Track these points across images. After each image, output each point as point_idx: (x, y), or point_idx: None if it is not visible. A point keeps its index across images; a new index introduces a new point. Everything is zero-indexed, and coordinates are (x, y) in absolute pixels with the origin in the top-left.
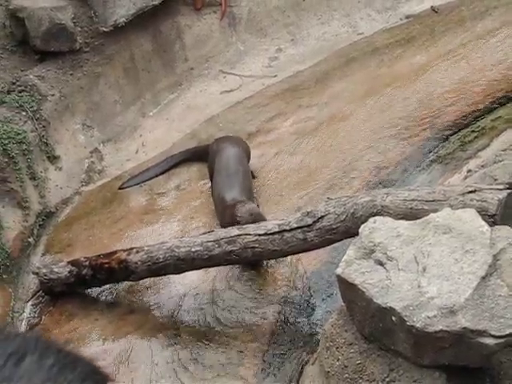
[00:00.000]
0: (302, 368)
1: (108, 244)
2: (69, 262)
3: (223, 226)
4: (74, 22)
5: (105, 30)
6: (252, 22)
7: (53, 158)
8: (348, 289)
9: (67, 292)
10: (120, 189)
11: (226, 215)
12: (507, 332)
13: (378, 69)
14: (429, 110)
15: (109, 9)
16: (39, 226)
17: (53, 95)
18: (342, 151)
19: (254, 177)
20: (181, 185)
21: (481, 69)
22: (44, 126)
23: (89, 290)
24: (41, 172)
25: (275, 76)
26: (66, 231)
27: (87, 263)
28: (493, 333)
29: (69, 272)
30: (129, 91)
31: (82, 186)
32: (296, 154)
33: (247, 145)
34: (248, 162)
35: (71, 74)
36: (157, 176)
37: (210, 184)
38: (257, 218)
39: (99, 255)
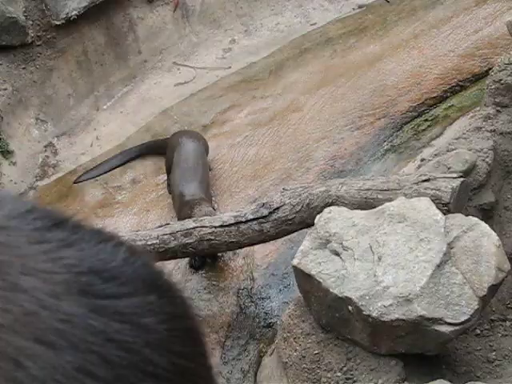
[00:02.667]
0: (260, 359)
1: None
2: None
3: (180, 219)
4: (25, 16)
5: (57, 23)
6: (205, 13)
7: (6, 153)
8: (304, 279)
9: None
10: (75, 182)
11: (184, 213)
12: (462, 319)
13: (331, 59)
14: (382, 100)
15: (60, 2)
16: None
17: (5, 89)
18: (297, 142)
19: (209, 169)
20: (136, 178)
21: (433, 58)
22: None
23: None
24: None
25: (229, 67)
26: None
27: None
28: (448, 320)
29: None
30: (82, 84)
31: (37, 180)
32: (251, 146)
33: (205, 140)
34: (206, 156)
35: (23, 68)
36: (113, 169)
37: (165, 177)
38: None
39: None
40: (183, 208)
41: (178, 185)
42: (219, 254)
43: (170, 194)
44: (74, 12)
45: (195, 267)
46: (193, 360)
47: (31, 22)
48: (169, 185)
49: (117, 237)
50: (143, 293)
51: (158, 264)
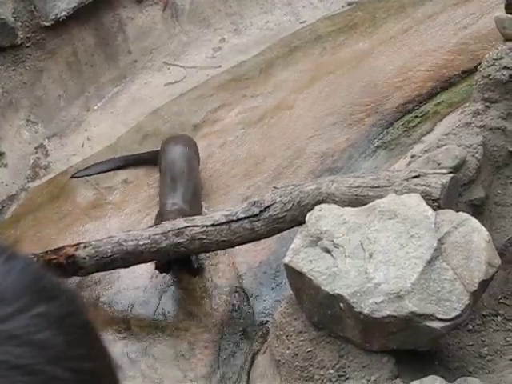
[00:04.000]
0: (253, 357)
1: (56, 240)
2: None
3: None
4: (14, 17)
5: (46, 24)
6: (195, 12)
7: None
8: (296, 277)
9: None
10: (72, 177)
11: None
12: (453, 315)
13: (321, 57)
14: (373, 97)
15: (49, 3)
16: None
17: None
18: (288, 140)
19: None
20: (128, 179)
21: (422, 54)
22: None
23: None
24: None
25: (219, 66)
26: (13, 228)
27: (35, 260)
28: (440, 316)
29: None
30: (72, 85)
31: (28, 182)
32: (242, 144)
33: (194, 142)
34: (198, 160)
35: (13, 70)
36: (111, 170)
37: (157, 177)
38: None
39: (47, 251)
40: (157, 218)
41: (161, 194)
42: (207, 254)
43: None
44: (64, 13)
45: (161, 271)
46: (94, 359)
47: (20, 24)
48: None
49: None
50: (30, 306)
51: (36, 263)
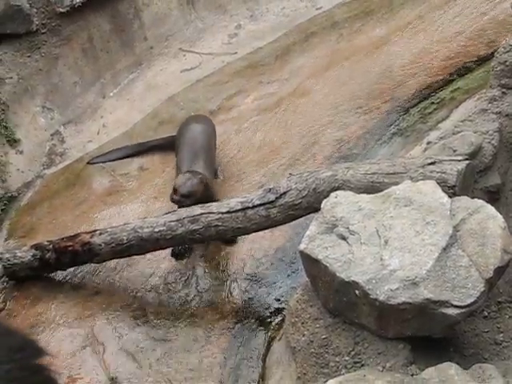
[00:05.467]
0: (268, 344)
1: (71, 227)
2: (32, 246)
3: None
4: (30, 4)
5: (61, 10)
6: None
7: (13, 142)
8: (311, 264)
9: (31, 276)
10: (89, 163)
11: None
12: (469, 302)
13: (337, 43)
14: (389, 83)
15: None
16: (1, 210)
17: (11, 78)
18: (304, 127)
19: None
20: (144, 165)
21: (439, 40)
22: (3, 110)
23: (53, 274)
24: (1, 156)
25: (235, 53)
26: (29, 215)
27: (51, 247)
28: (455, 303)
29: (32, 256)
30: (88, 72)
31: (44, 169)
32: (258, 131)
33: (210, 120)
34: (214, 136)
35: (29, 56)
36: (128, 157)
37: (172, 164)
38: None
39: (63, 238)
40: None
41: (182, 162)
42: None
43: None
44: None
45: (176, 255)
46: None
47: (36, 10)
48: (177, 166)
49: None
50: None
51: None
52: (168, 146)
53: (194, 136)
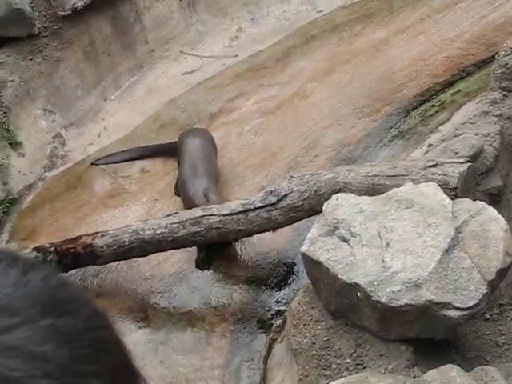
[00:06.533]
0: (270, 346)
1: (73, 229)
2: (34, 249)
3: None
4: (31, 7)
5: (63, 13)
6: (211, 1)
7: (15, 144)
8: (313, 266)
9: None
10: (92, 164)
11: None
12: (471, 304)
13: (338, 46)
14: (390, 86)
15: None
16: (3, 213)
17: (13, 81)
18: (305, 129)
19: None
20: (145, 168)
21: (439, 43)
22: (5, 112)
23: None
24: (3, 159)
25: (236, 56)
26: (31, 217)
27: (52, 249)
28: (457, 305)
29: (34, 258)
30: (90, 75)
31: (45, 171)
32: (259, 134)
33: (210, 134)
34: (215, 151)
35: (31, 59)
36: (130, 160)
37: (174, 166)
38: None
39: (64, 240)
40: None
41: (186, 183)
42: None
43: (176, 195)
44: (81, 2)
45: (201, 268)
46: (106, 375)
47: (38, 13)
48: (176, 186)
49: (9, 254)
50: (38, 318)
51: (61, 275)
52: (170, 151)
53: (192, 154)
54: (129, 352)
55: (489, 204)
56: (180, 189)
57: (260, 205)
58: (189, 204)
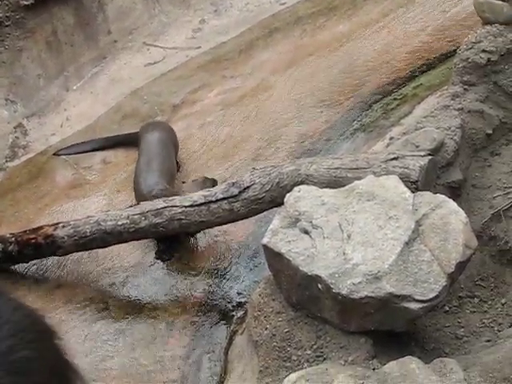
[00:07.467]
0: (231, 338)
1: (34, 219)
2: None
3: None
4: None
5: (26, 3)
6: None
7: None
8: (274, 258)
9: None
10: (55, 154)
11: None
12: (430, 296)
13: (300, 39)
14: (352, 79)
15: None
16: None
17: None
18: (267, 121)
19: (178, 168)
20: (107, 159)
21: (402, 37)
22: None
23: (16, 266)
24: None
25: (199, 47)
26: None
27: (13, 239)
28: (417, 297)
29: None
30: (52, 65)
31: (7, 161)
32: (221, 125)
33: (172, 129)
34: (175, 146)
35: None
36: (92, 151)
37: (135, 156)
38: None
39: (25, 231)
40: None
41: (138, 177)
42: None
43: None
44: None
45: (162, 259)
46: None
47: (0, 2)
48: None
49: None
50: None
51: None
52: (132, 142)
53: (149, 149)
54: (63, 355)
55: (449, 197)
56: (133, 183)
57: (222, 196)
58: (139, 198)
